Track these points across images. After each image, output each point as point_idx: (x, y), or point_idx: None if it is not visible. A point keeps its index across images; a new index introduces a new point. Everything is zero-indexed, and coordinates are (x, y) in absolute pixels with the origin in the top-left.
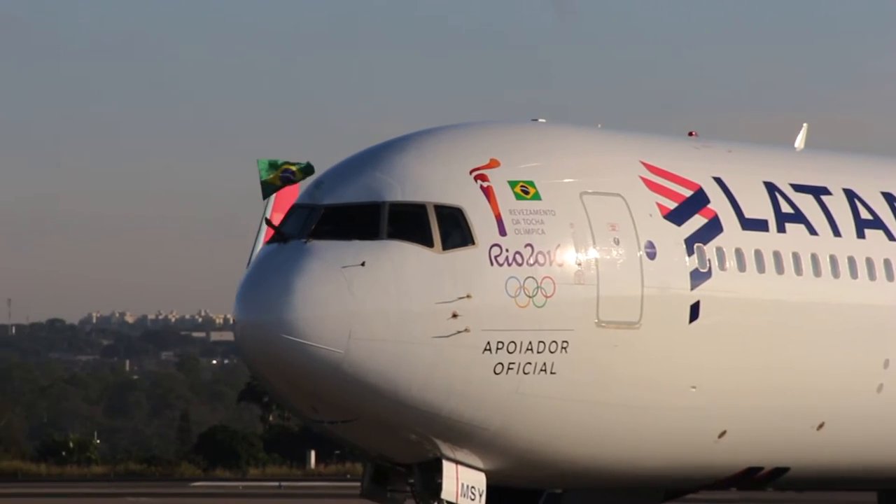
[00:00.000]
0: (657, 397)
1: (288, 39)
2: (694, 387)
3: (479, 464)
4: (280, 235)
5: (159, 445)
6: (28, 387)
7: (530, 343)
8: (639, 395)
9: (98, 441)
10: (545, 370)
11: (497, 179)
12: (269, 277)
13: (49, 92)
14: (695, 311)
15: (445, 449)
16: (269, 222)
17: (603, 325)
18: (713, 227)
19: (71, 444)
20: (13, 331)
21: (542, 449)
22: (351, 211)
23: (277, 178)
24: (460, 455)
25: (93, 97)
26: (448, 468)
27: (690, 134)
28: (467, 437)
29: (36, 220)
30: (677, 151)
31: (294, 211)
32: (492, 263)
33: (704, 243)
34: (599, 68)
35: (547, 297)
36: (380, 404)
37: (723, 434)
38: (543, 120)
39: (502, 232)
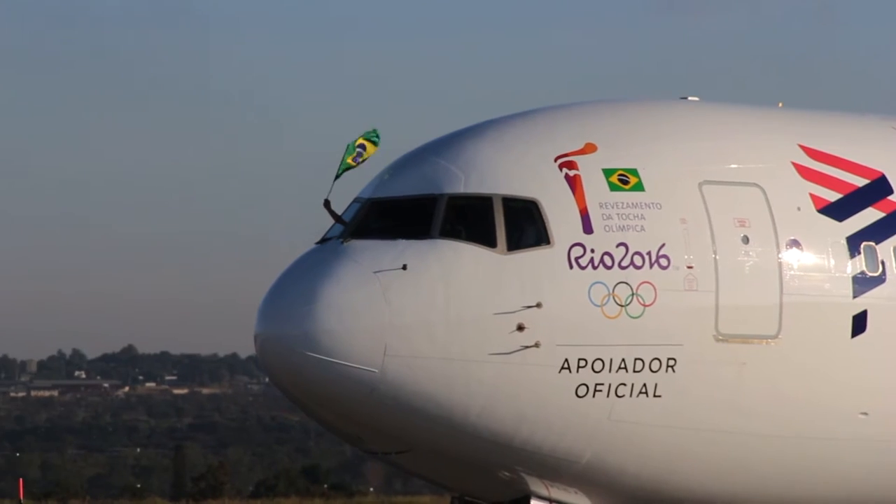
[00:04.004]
0: (814, 426)
1: None
2: (865, 413)
3: (586, 502)
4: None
5: None
6: None
7: (623, 361)
8: (786, 423)
9: None
10: (645, 392)
11: (588, 167)
12: (293, 284)
13: None
14: (860, 323)
15: (535, 485)
16: (328, 205)
17: (723, 338)
18: (893, 223)
19: None
20: None
21: (656, 485)
22: (402, 205)
23: (352, 158)
24: (556, 492)
25: None
26: None
27: None
28: (554, 470)
29: None
30: (859, 132)
31: (351, 205)
32: (571, 266)
33: (877, 242)
34: None
35: (645, 305)
36: (434, 433)
37: None
38: (696, 98)
39: (587, 229)
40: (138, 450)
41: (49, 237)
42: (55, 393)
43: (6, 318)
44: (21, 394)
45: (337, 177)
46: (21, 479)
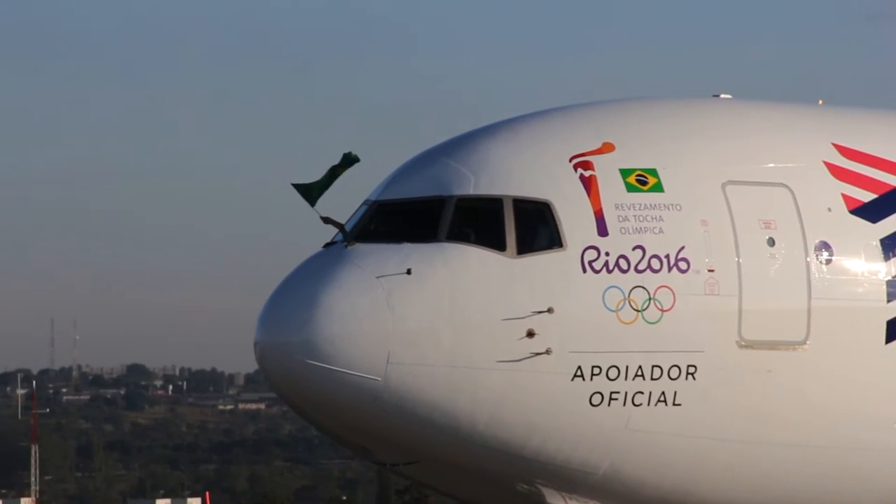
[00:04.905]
0: (846, 435)
1: None
2: None
3: None
4: (344, 236)
5: None
6: None
7: (640, 368)
8: (815, 432)
9: None
10: (664, 401)
11: (604, 167)
12: (294, 289)
13: None
14: (895, 328)
15: (553, 497)
16: (328, 220)
17: (747, 344)
18: None
19: None
20: None
21: (677, 497)
22: (409, 208)
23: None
24: None
25: None
26: None
27: None
28: (569, 481)
29: None
30: None
31: (359, 208)
32: (584, 270)
33: None
34: None
35: (663, 310)
36: (441, 442)
37: None
38: (728, 96)
39: (602, 231)
40: (344, 462)
41: (254, 255)
42: (262, 406)
43: (214, 331)
44: (229, 407)
45: (312, 202)
46: (207, 493)
